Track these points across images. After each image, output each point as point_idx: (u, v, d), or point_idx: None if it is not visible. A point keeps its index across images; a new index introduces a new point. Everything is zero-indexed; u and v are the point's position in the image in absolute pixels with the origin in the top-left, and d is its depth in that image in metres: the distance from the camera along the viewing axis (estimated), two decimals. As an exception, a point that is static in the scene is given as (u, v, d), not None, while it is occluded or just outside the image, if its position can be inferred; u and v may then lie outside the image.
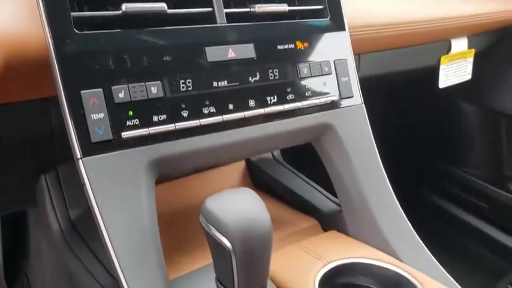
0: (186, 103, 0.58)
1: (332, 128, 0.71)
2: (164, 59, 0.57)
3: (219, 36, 0.61)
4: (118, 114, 0.53)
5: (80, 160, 0.51)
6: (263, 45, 0.64)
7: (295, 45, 0.67)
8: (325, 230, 0.80)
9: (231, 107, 0.61)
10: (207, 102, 0.59)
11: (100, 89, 0.52)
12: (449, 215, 1.53)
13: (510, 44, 1.29)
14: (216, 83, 0.60)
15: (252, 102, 0.63)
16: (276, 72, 0.65)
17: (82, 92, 0.52)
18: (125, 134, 0.53)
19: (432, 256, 0.70)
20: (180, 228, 0.80)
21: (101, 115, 0.52)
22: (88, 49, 0.53)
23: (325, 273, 0.63)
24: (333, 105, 0.70)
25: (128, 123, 0.54)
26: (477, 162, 1.46)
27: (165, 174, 0.60)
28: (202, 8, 0.61)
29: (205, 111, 0.59)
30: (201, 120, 0.58)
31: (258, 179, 0.97)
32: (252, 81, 0.63)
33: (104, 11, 0.55)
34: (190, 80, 0.58)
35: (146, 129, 0.55)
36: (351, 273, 0.65)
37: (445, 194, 1.56)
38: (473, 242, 1.47)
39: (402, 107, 1.57)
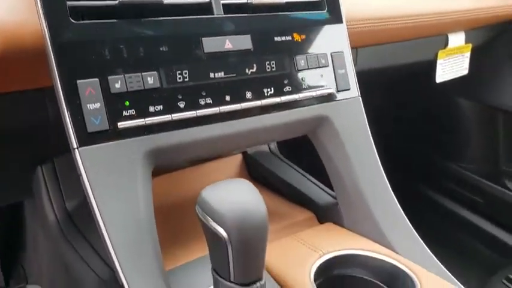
0: (183, 94, 0.58)
1: (328, 121, 0.71)
2: (161, 49, 0.56)
3: (216, 27, 0.61)
4: (114, 104, 0.53)
5: (76, 150, 0.51)
6: (260, 36, 0.64)
7: (293, 37, 0.67)
8: (321, 222, 0.80)
9: (227, 98, 0.61)
10: (204, 93, 0.59)
11: (96, 79, 0.52)
12: (445, 210, 1.54)
13: (507, 39, 1.29)
14: (212, 74, 0.60)
15: (248, 94, 0.63)
16: (273, 64, 0.65)
17: (78, 81, 0.51)
18: (121, 124, 0.53)
19: (427, 248, 0.70)
20: (176, 221, 0.80)
21: (97, 105, 0.52)
22: (84, 39, 0.52)
23: (320, 265, 0.63)
24: (329, 97, 0.70)
25: (124, 113, 0.54)
26: (473, 157, 1.47)
27: (162, 165, 0.60)
28: (199, -2, 0.60)
29: (202, 102, 0.59)
30: (197, 111, 0.58)
31: (255, 171, 0.97)
32: (249, 72, 0.63)
33: (100, 0, 0.55)
34: (186, 71, 0.58)
35: (142, 119, 0.55)
36: (346, 264, 0.65)
37: (440, 188, 1.56)
38: (468, 236, 1.47)
39: (399, 101, 1.57)
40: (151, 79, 0.55)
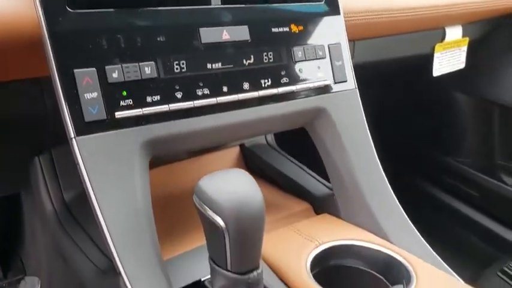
0: (180, 84, 0.58)
1: (325, 112, 0.71)
2: (158, 39, 0.57)
3: (214, 17, 0.61)
4: (111, 94, 0.53)
5: (74, 139, 0.51)
6: (258, 27, 0.64)
7: (290, 29, 0.67)
8: (318, 213, 0.81)
9: (225, 89, 0.61)
10: (201, 84, 0.59)
11: (93, 69, 0.52)
12: (441, 203, 1.55)
13: (504, 34, 1.29)
14: (210, 64, 0.60)
15: (246, 85, 0.63)
16: (270, 55, 0.65)
17: (75, 71, 0.51)
18: (119, 114, 0.53)
19: (422, 239, 0.71)
20: (174, 212, 0.80)
21: (95, 94, 0.52)
22: (81, 28, 0.52)
23: (317, 255, 0.64)
24: (326, 89, 0.71)
25: (122, 103, 0.54)
26: (469, 151, 1.47)
27: (160, 155, 0.60)
28: (197, -12, 0.60)
29: (199, 92, 0.59)
30: (194, 102, 0.58)
31: (252, 163, 0.98)
32: (246, 63, 0.63)
33: None
34: (184, 61, 0.58)
35: (140, 109, 0.55)
36: (342, 255, 0.66)
37: (436, 182, 1.57)
38: (463, 230, 1.48)
39: (396, 94, 1.57)
40: (148, 69, 0.55)
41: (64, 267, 0.80)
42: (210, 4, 0.61)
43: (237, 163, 0.99)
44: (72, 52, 0.52)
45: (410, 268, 0.61)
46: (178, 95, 0.58)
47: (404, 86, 1.52)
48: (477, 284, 0.58)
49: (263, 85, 0.64)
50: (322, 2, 0.72)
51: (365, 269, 0.65)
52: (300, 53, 0.67)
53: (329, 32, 0.72)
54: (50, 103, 0.62)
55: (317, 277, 0.60)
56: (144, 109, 0.55)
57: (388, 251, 0.65)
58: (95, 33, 0.53)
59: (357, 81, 0.75)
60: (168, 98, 0.57)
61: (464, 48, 1.21)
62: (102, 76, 0.53)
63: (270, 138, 1.03)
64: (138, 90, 0.55)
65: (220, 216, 0.45)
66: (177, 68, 0.58)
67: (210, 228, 0.47)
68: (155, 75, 0.56)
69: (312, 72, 0.69)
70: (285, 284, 0.60)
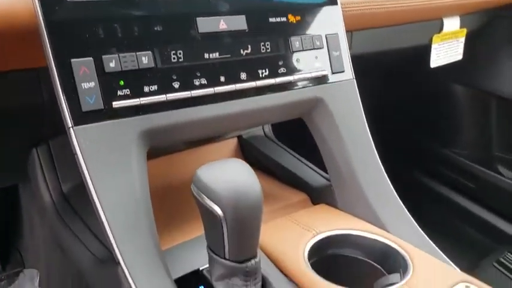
0: (177, 74, 0.58)
1: (323, 103, 0.71)
2: (155, 29, 0.56)
3: (211, 7, 0.61)
4: (109, 83, 0.53)
5: (71, 129, 0.51)
6: (255, 17, 0.64)
7: (287, 19, 0.67)
8: (315, 204, 0.81)
9: (222, 79, 0.61)
10: (198, 74, 0.59)
11: (90, 58, 0.52)
12: (438, 195, 1.55)
13: (502, 25, 1.29)
14: (207, 54, 0.60)
15: (243, 75, 0.63)
16: (267, 45, 0.65)
17: (72, 60, 0.51)
18: (116, 104, 0.53)
19: (419, 228, 0.71)
20: (172, 202, 0.81)
21: (92, 84, 0.52)
22: (78, 17, 0.52)
23: (314, 244, 0.64)
24: (324, 79, 0.71)
25: (119, 93, 0.54)
26: (466, 143, 1.48)
27: (157, 145, 0.60)
28: (193, -23, 0.60)
29: (197, 82, 0.59)
30: (192, 92, 0.58)
31: (250, 155, 0.98)
32: (244, 53, 0.63)
33: None
34: (181, 51, 0.58)
35: (137, 99, 0.55)
36: (339, 244, 0.66)
37: (434, 174, 1.58)
38: (460, 221, 1.49)
39: (393, 86, 1.57)
40: (145, 59, 0.55)
41: (62, 258, 0.80)
42: (207, -7, 0.61)
43: (235, 154, 0.99)
44: (68, 41, 0.52)
45: (407, 257, 0.62)
46: (176, 84, 0.58)
47: (402, 78, 1.52)
48: (474, 274, 0.58)
49: (260, 75, 0.64)
50: (320, -8, 0.72)
51: (362, 258, 0.66)
52: (297, 43, 0.67)
53: (326, 22, 0.72)
54: (47, 93, 0.61)
55: (314, 266, 0.60)
56: (141, 99, 0.55)
57: (385, 240, 0.65)
58: (92, 22, 0.53)
59: (354, 72, 0.75)
60: (166, 88, 0.57)
61: (462, 39, 1.21)
62: (99, 66, 0.53)
63: (268, 129, 1.03)
64: (135, 80, 0.55)
65: (218, 205, 0.46)
66: (174, 58, 0.57)
67: (208, 217, 0.48)
68: (152, 64, 0.56)
69: (310, 62, 0.69)
70: (283, 273, 0.60)
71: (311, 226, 0.67)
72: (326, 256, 0.66)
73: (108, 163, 0.53)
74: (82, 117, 0.52)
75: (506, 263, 1.31)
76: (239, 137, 1.00)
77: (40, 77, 0.61)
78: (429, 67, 1.17)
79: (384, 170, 0.74)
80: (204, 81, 0.59)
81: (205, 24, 0.60)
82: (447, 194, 1.53)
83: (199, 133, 0.64)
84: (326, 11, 0.72)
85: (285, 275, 0.60)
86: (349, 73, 0.74)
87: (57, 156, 0.80)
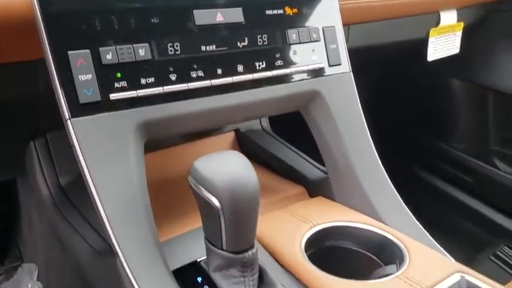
0: (174, 66, 0.58)
1: (320, 95, 0.71)
2: (152, 21, 0.56)
3: (208, -1, 0.61)
4: (106, 75, 0.53)
5: (69, 121, 0.51)
6: (252, 9, 0.64)
7: (284, 11, 0.67)
8: (312, 197, 0.81)
9: (219, 71, 0.61)
10: (195, 66, 0.59)
11: (87, 50, 0.52)
12: (435, 189, 1.56)
13: (499, 19, 1.29)
14: (204, 47, 0.60)
15: (240, 67, 0.63)
16: (264, 37, 0.65)
17: (69, 52, 0.51)
18: (113, 96, 0.54)
19: (416, 220, 0.72)
20: (169, 196, 0.81)
21: (89, 76, 0.52)
22: (74, 9, 0.52)
23: (311, 236, 0.65)
24: (321, 72, 0.71)
25: (116, 85, 0.54)
26: (463, 137, 1.48)
27: (154, 138, 0.60)
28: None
29: (194, 75, 0.59)
30: (189, 84, 0.59)
31: (247, 148, 0.98)
32: (241, 46, 0.63)
33: None
34: (178, 43, 0.58)
35: (134, 91, 0.55)
36: (336, 236, 0.67)
37: (431, 168, 1.58)
38: (458, 215, 1.49)
39: (390, 79, 1.57)
40: (142, 51, 0.55)
41: (61, 251, 0.80)
42: (203, -14, 0.61)
43: (232, 148, 0.99)
44: (65, 34, 0.52)
45: (403, 248, 0.62)
46: (173, 77, 0.58)
47: (399, 71, 1.52)
48: (471, 267, 0.59)
49: (257, 67, 0.64)
50: (317, -15, 0.72)
51: (359, 249, 0.66)
52: (294, 35, 0.67)
53: (323, 14, 0.72)
54: (45, 86, 0.61)
55: (311, 258, 0.61)
56: (138, 91, 0.55)
57: (381, 231, 0.66)
58: (89, 14, 0.53)
59: (351, 66, 0.75)
60: (163, 80, 0.57)
61: (459, 33, 1.21)
62: (96, 58, 0.53)
63: (265, 123, 1.03)
64: (132, 72, 0.55)
65: (215, 196, 0.46)
66: (171, 50, 0.58)
67: (206, 209, 0.48)
68: (149, 57, 0.56)
69: (307, 55, 0.69)
70: (280, 264, 0.61)
71: (308, 218, 0.67)
72: (323, 248, 0.66)
73: (106, 155, 0.53)
74: (79, 109, 0.52)
75: (503, 256, 1.32)
76: (236, 131, 1.00)
77: (37, 69, 0.61)
78: (426, 61, 1.17)
79: (380, 163, 0.75)
80: (200, 73, 0.60)
81: (202, 17, 0.60)
82: (444, 188, 1.54)
83: (196, 125, 0.64)
84: (323, 4, 0.72)
85: (282, 266, 0.60)
86: (346, 66, 0.74)
87: (55, 149, 0.80)
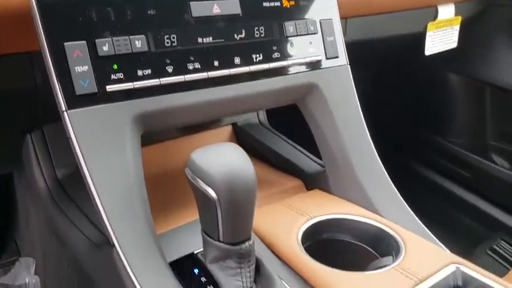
0: (171, 58, 0.58)
1: (317, 88, 0.71)
2: (148, 12, 0.56)
3: (204, -9, 0.61)
4: (102, 67, 0.53)
5: (65, 112, 0.51)
6: (249, 1, 0.64)
7: (281, 3, 0.67)
8: (309, 190, 0.82)
9: (216, 63, 0.61)
10: (192, 58, 0.59)
11: (84, 42, 0.52)
12: (432, 183, 1.56)
13: (496, 13, 1.29)
14: (200, 39, 0.60)
15: (237, 60, 0.63)
16: (261, 29, 0.65)
17: (66, 44, 0.51)
18: (110, 88, 0.53)
19: (412, 212, 0.72)
20: (166, 189, 0.81)
21: (85, 68, 0.52)
22: (71, 0, 0.52)
23: (307, 228, 0.65)
24: (318, 64, 0.71)
25: (113, 76, 0.54)
26: (461, 132, 1.48)
27: (151, 130, 0.60)
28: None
29: (190, 67, 0.59)
30: (185, 76, 0.58)
31: (244, 142, 0.98)
32: (238, 38, 0.63)
33: None
34: (174, 35, 0.58)
35: (131, 83, 0.55)
36: (333, 228, 0.67)
37: (428, 162, 1.58)
38: (455, 209, 1.50)
39: (387, 73, 1.57)
40: (139, 43, 0.55)
41: (58, 244, 0.80)
42: (200, -23, 0.61)
43: (230, 141, 0.99)
44: (61, 25, 0.51)
45: (399, 240, 0.62)
46: (169, 69, 0.58)
47: (396, 65, 1.51)
48: (468, 261, 0.59)
49: (254, 60, 0.64)
50: (314, -23, 0.72)
51: (355, 242, 0.66)
52: (291, 28, 0.67)
53: (321, 7, 0.72)
54: (41, 78, 0.61)
55: (308, 250, 0.61)
56: (135, 83, 0.55)
57: (377, 224, 0.66)
58: (85, 5, 0.53)
59: (349, 60, 0.75)
60: (159, 72, 0.57)
61: (457, 27, 1.21)
62: (93, 49, 0.53)
63: (263, 117, 1.03)
64: (129, 64, 0.55)
65: (212, 188, 0.46)
66: (167, 42, 0.57)
67: (202, 200, 0.48)
68: (146, 48, 0.56)
69: (304, 47, 0.69)
70: (277, 256, 0.61)
71: (305, 211, 0.67)
72: (319, 240, 0.66)
73: (102, 146, 0.53)
74: (76, 101, 0.52)
75: (500, 250, 1.33)
76: (234, 124, 1.00)
77: (33, 61, 0.61)
78: (424, 55, 1.17)
79: (377, 155, 0.75)
80: (197, 65, 0.59)
81: (198, 8, 0.60)
82: (442, 182, 1.54)
83: (192, 118, 0.64)
84: (320, -4, 0.72)
85: (279, 258, 0.60)
86: (343, 59, 0.74)
87: (51, 142, 0.80)
